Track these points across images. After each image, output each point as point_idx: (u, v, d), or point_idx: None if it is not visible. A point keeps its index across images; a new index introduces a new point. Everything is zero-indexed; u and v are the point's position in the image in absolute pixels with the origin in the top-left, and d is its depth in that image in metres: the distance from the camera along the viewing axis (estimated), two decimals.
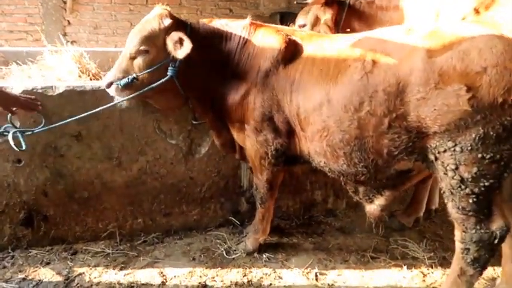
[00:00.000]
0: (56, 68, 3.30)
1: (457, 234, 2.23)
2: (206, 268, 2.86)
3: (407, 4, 3.30)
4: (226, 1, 6.32)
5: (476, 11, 2.82)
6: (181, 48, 2.48)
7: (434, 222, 3.52)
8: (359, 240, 3.26)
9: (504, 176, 2.03)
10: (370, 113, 2.18)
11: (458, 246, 2.23)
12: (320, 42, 2.54)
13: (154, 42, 2.57)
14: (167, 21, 2.56)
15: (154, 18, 2.60)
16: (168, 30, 2.54)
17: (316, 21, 3.81)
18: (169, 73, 2.57)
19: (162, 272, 2.80)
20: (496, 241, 2.11)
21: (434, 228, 3.42)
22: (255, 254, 3.01)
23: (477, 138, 1.94)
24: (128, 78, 2.58)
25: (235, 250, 3.06)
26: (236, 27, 2.70)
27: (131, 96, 2.65)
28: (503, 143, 1.93)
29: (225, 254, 3.01)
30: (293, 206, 3.53)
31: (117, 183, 3.05)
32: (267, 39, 2.62)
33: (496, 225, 2.10)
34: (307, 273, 2.83)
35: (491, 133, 1.91)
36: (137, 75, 2.58)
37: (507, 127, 1.91)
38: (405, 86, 2.07)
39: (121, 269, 2.83)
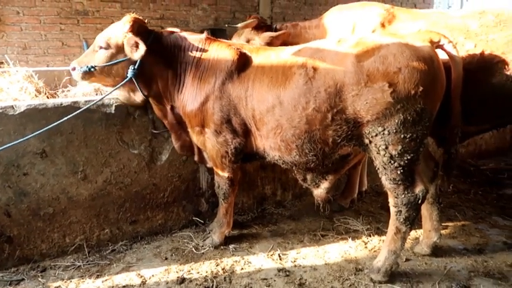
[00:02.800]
0: (7, 88, 3.28)
1: (391, 200, 2.79)
2: (180, 264, 3.09)
3: (328, 21, 3.89)
4: (158, 19, 6.56)
5: (383, 25, 3.49)
6: (137, 51, 2.81)
7: (365, 202, 4.16)
8: (308, 223, 3.74)
9: (420, 150, 2.64)
10: (315, 110, 2.65)
11: (392, 210, 2.80)
12: (267, 54, 2.98)
13: (114, 41, 2.93)
14: (127, 26, 2.88)
15: (120, 22, 2.93)
16: (126, 34, 2.84)
17: (248, 43, 4.26)
18: (129, 74, 2.90)
19: (139, 274, 2.97)
20: (419, 201, 2.72)
21: (367, 206, 4.05)
22: (222, 247, 3.32)
23: (399, 122, 2.51)
24: (87, 66, 2.94)
25: (203, 246, 3.33)
26: (194, 40, 3.04)
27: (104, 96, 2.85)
28: (417, 124, 2.53)
29: (194, 250, 3.27)
30: (247, 201, 3.91)
31: (83, 197, 3.15)
32: (221, 52, 2.99)
33: (419, 189, 2.71)
34: (271, 255, 3.22)
35: (409, 118, 2.50)
36: (95, 66, 2.94)
37: (419, 112, 2.51)
38: (342, 86, 2.58)
39: (97, 277, 2.94)
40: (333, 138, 2.70)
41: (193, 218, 3.63)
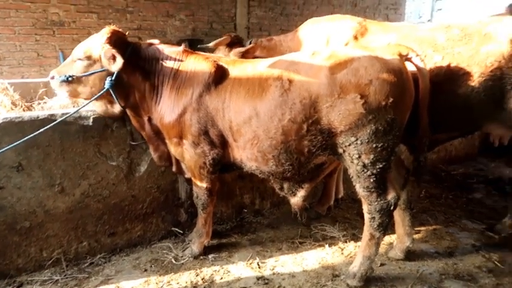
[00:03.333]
0: None
1: (365, 207, 2.89)
2: (160, 275, 3.10)
3: (303, 34, 4.00)
4: (135, 30, 6.56)
5: (355, 38, 3.62)
6: (114, 63, 2.85)
7: (342, 208, 4.27)
8: (286, 231, 3.81)
9: (391, 158, 2.76)
10: (291, 121, 2.73)
11: (366, 217, 2.90)
12: (243, 67, 3.05)
13: (92, 52, 2.96)
14: (104, 38, 2.91)
15: (99, 34, 2.97)
16: (104, 46, 2.88)
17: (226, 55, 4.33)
18: (106, 85, 2.94)
19: (118, 286, 2.97)
20: (392, 208, 2.83)
21: (343, 213, 4.16)
22: (201, 256, 3.34)
23: (371, 132, 2.61)
24: (65, 76, 2.96)
25: (182, 256, 3.35)
26: (171, 52, 3.08)
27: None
28: (388, 134, 2.64)
29: (174, 261, 3.28)
30: (226, 211, 3.95)
31: (60, 210, 3.12)
32: (199, 65, 3.04)
33: (391, 195, 2.82)
34: (250, 264, 3.26)
35: (380, 128, 2.61)
36: (73, 75, 2.96)
37: (389, 122, 2.62)
38: (316, 97, 2.68)
39: None
40: (309, 148, 2.78)
41: (173, 229, 3.65)
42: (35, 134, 2.69)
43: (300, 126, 2.72)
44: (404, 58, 2.81)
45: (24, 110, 3.36)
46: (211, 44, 4.23)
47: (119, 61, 2.83)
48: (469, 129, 3.47)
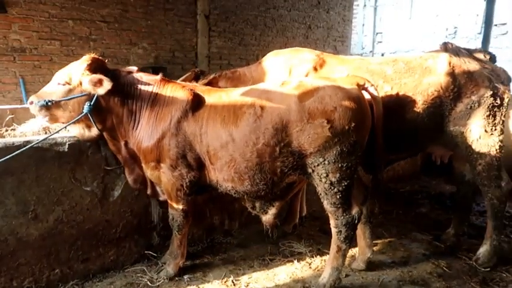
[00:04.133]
0: None
1: (332, 222, 3.17)
2: None
3: (266, 65, 4.31)
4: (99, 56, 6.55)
5: (315, 69, 3.98)
6: (101, 87, 2.99)
7: (305, 226, 4.53)
8: (256, 249, 3.99)
9: (354, 176, 3.08)
10: (265, 144, 2.97)
11: (333, 231, 3.17)
12: (218, 95, 3.26)
13: (72, 78, 3.07)
14: (84, 65, 3.06)
15: (79, 61, 3.10)
16: (84, 72, 3.02)
17: None
18: (84, 110, 3.04)
19: None
20: (356, 221, 3.13)
21: (307, 230, 4.42)
22: (177, 278, 3.42)
23: (337, 153, 2.93)
24: (45, 101, 3.03)
25: (157, 278, 3.40)
26: (149, 80, 3.24)
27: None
28: (352, 154, 2.97)
29: (149, 284, 3.33)
30: (197, 232, 4.06)
31: (33, 237, 3.08)
32: (176, 93, 3.22)
33: (355, 210, 3.13)
34: (225, 282, 3.40)
35: (345, 149, 2.93)
36: (52, 100, 3.04)
37: (352, 144, 2.95)
38: (287, 122, 2.95)
39: None
40: (281, 169, 3.03)
41: (146, 252, 3.69)
42: (6, 158, 2.71)
43: (273, 149, 2.97)
44: (361, 88, 3.19)
45: None
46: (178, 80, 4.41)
47: (107, 84, 2.99)
48: (416, 150, 3.93)
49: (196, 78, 4.40)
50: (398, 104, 3.54)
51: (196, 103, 3.18)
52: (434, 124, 3.63)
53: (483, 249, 3.75)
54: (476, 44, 10.36)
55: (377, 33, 14.45)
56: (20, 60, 6.24)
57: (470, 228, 4.45)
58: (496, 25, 9.65)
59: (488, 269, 3.63)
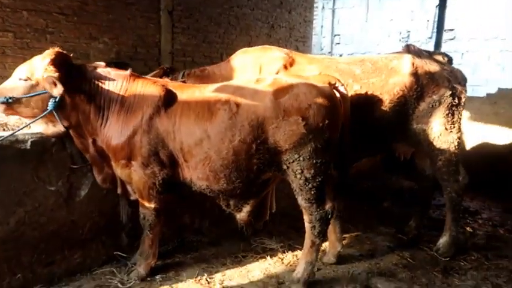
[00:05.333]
0: None
1: (306, 218, 3.22)
2: None
3: (235, 63, 4.29)
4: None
5: (285, 67, 4.02)
6: (55, 88, 2.84)
7: (275, 223, 4.56)
8: (228, 247, 3.98)
9: (328, 172, 3.15)
10: (241, 141, 2.96)
11: (307, 226, 3.22)
12: (191, 91, 3.21)
13: (34, 74, 2.91)
14: (47, 60, 2.89)
15: (42, 56, 2.92)
16: (47, 67, 2.86)
17: None
18: (49, 107, 2.90)
19: None
20: (329, 216, 3.21)
21: (277, 227, 4.45)
22: (148, 278, 3.33)
23: (311, 150, 2.98)
24: (5, 98, 2.87)
25: (128, 280, 3.29)
26: (118, 76, 3.13)
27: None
28: (326, 151, 3.04)
29: (120, 285, 3.22)
30: (167, 231, 3.96)
31: None
32: (147, 89, 3.13)
33: (328, 206, 3.20)
34: (199, 280, 3.35)
35: (319, 146, 2.99)
36: (13, 97, 2.88)
37: (326, 141, 3.02)
38: (263, 119, 2.96)
39: None
40: (257, 166, 3.04)
41: (116, 253, 3.55)
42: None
43: (249, 146, 2.97)
44: (333, 86, 3.27)
45: None
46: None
47: (59, 88, 2.83)
48: (383, 147, 4.08)
49: (165, 75, 4.31)
50: (367, 103, 3.67)
51: (169, 99, 3.12)
52: (399, 122, 3.80)
53: (443, 240, 3.97)
54: (428, 47, 10.92)
55: (335, 35, 14.87)
56: None
57: (428, 221, 4.69)
58: (445, 30, 10.23)
59: (448, 259, 3.85)
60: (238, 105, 3.01)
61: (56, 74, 2.83)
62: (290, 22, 10.72)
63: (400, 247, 4.11)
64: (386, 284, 3.42)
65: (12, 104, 2.90)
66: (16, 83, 2.91)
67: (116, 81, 3.12)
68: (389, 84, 3.72)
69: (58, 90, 2.83)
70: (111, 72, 3.15)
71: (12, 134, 2.90)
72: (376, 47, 13.53)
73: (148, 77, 4.31)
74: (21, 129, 2.94)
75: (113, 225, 3.57)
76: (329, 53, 14.49)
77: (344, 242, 4.10)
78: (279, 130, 2.95)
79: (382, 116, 3.70)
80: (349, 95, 3.58)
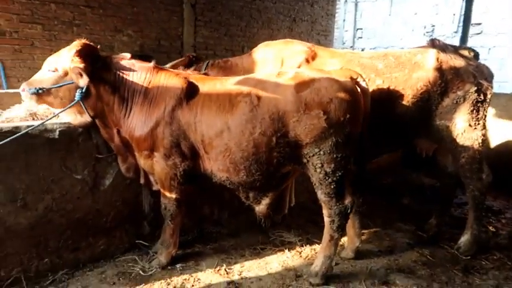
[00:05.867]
0: None
1: (325, 212, 3.23)
2: (130, 287, 3.11)
3: (257, 57, 4.31)
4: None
5: (307, 61, 4.02)
6: (81, 78, 2.95)
7: (294, 216, 4.58)
8: (246, 239, 4.02)
9: (348, 167, 3.14)
10: (262, 134, 2.99)
11: (326, 220, 3.23)
12: (213, 83, 3.25)
13: (62, 65, 3.02)
14: (73, 51, 2.98)
15: (69, 47, 3.03)
16: (73, 58, 2.96)
17: None
18: (76, 97, 3.00)
19: None
20: (349, 211, 3.21)
21: (296, 220, 4.47)
22: (169, 267, 3.41)
23: (332, 144, 2.98)
24: (35, 88, 2.99)
25: (149, 268, 3.38)
26: (142, 68, 3.19)
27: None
28: (346, 145, 3.03)
29: (142, 273, 3.31)
30: (187, 222, 4.04)
31: (22, 226, 3.00)
32: (170, 81, 3.18)
33: (348, 200, 3.20)
34: (218, 270, 3.41)
35: (340, 140, 2.99)
36: (43, 88, 3.00)
37: (347, 135, 3.01)
38: (284, 113, 2.98)
39: None
40: (277, 159, 3.06)
41: (138, 241, 3.65)
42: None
43: (269, 139, 2.99)
44: (354, 81, 3.24)
45: None
46: (168, 65, 4.37)
47: (85, 79, 2.94)
48: (404, 143, 4.03)
49: (190, 63, 4.37)
50: (389, 98, 3.63)
51: (191, 91, 3.16)
52: (422, 118, 3.74)
53: (464, 239, 3.91)
54: (453, 42, 10.66)
55: (357, 29, 14.66)
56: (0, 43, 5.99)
57: (449, 219, 4.62)
58: (472, 25, 9.95)
59: (469, 257, 3.79)
60: (259, 98, 3.03)
61: (82, 65, 2.92)
62: (312, 15, 10.64)
63: (420, 244, 4.06)
64: (405, 280, 3.41)
65: (42, 94, 3.02)
66: (45, 74, 3.04)
67: (140, 72, 3.19)
68: (412, 79, 3.67)
69: (84, 81, 2.94)
70: (135, 64, 3.22)
71: (42, 124, 3.00)
72: (399, 42, 13.28)
73: (171, 64, 4.39)
74: (50, 119, 3.04)
75: (136, 214, 3.67)
76: (351, 47, 14.30)
77: (363, 237, 4.09)
78: (299, 124, 2.96)
79: (404, 111, 3.65)
80: (371, 89, 3.58)
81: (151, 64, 3.26)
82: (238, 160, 3.07)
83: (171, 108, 3.12)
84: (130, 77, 3.17)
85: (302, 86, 3.01)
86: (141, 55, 6.05)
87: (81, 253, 3.36)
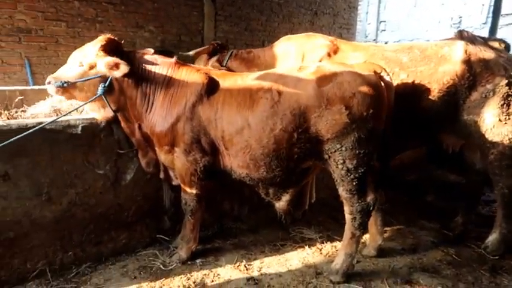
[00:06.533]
0: None
1: (346, 209, 3.17)
2: (151, 282, 3.14)
3: (279, 50, 4.27)
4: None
5: (329, 55, 3.95)
6: (117, 70, 2.97)
7: (314, 212, 4.52)
8: (266, 235, 4.00)
9: (371, 164, 3.07)
10: (283, 130, 2.94)
11: (348, 217, 3.17)
12: (233, 79, 3.22)
13: (87, 60, 3.05)
14: (98, 46, 3.03)
15: (93, 42, 3.07)
16: (98, 53, 3.01)
17: (206, 65, 4.51)
18: (99, 91, 3.04)
19: None
20: (371, 208, 3.14)
21: (316, 216, 4.42)
22: (189, 262, 3.43)
23: (354, 140, 2.91)
24: (61, 82, 3.03)
25: (170, 262, 3.41)
26: (164, 63, 3.20)
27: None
28: (369, 141, 2.96)
29: (162, 267, 3.34)
30: (207, 218, 4.05)
31: (47, 219, 3.07)
32: (191, 76, 3.17)
33: (370, 197, 3.13)
34: (237, 266, 3.41)
35: (362, 136, 2.91)
36: (68, 81, 3.03)
37: (370, 131, 2.93)
38: (305, 108, 2.92)
39: None
40: (298, 155, 3.01)
41: (158, 236, 3.68)
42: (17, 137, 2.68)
43: (290, 135, 2.94)
44: (377, 75, 3.15)
45: (8, 119, 3.27)
46: (192, 52, 4.37)
47: (124, 68, 2.97)
48: (429, 138, 3.91)
49: (214, 51, 4.37)
50: (413, 92, 3.53)
51: (212, 87, 3.14)
52: (449, 113, 3.61)
53: (492, 238, 3.77)
54: (481, 34, 10.30)
55: (381, 22, 14.33)
56: (26, 41, 6.14)
57: (476, 217, 4.47)
58: (502, 15, 9.56)
59: (497, 257, 3.66)
60: (280, 93, 2.98)
61: (114, 58, 2.97)
62: (334, 8, 10.46)
63: (445, 243, 3.95)
64: (429, 280, 3.31)
65: (67, 88, 3.07)
66: (71, 69, 3.08)
67: (162, 68, 3.20)
68: (438, 72, 3.54)
69: (122, 70, 2.96)
70: (157, 59, 3.23)
71: (63, 116, 3.06)
72: (424, 34, 12.90)
73: (197, 51, 4.40)
74: (71, 112, 3.09)
75: (157, 209, 3.70)
76: (374, 40, 14.00)
77: (385, 235, 4.00)
78: (321, 119, 2.90)
79: (429, 106, 3.54)
80: (396, 84, 3.48)
81: (173, 59, 3.26)
82: (258, 156, 3.04)
83: (191, 104, 3.11)
84: (153, 72, 3.19)
85: (324, 80, 2.95)
86: (162, 50, 6.10)
87: (104, 247, 3.41)
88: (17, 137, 2.67)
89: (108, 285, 3.09)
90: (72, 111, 3.11)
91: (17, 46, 6.08)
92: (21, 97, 3.76)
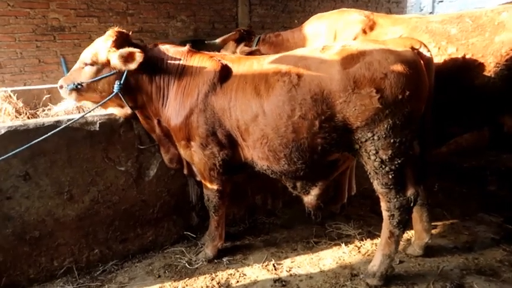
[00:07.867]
0: None
1: (383, 205, 2.81)
2: (174, 281, 3.03)
3: (309, 30, 3.92)
4: (137, 32, 6.47)
5: (364, 32, 3.54)
6: (132, 62, 2.80)
7: (355, 206, 4.18)
8: (300, 231, 3.73)
9: (410, 153, 2.67)
10: (302, 117, 2.62)
11: (385, 214, 2.81)
12: (249, 63, 2.95)
13: (98, 57, 2.91)
14: (109, 41, 2.88)
15: (103, 38, 2.93)
16: (110, 49, 2.84)
17: (234, 52, 4.29)
18: (114, 89, 2.89)
19: None
20: (412, 204, 2.75)
21: (356, 210, 4.07)
22: (216, 260, 3.27)
23: (388, 127, 2.53)
24: (74, 84, 2.94)
25: (196, 260, 3.27)
26: (176, 53, 3.01)
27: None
28: (406, 128, 2.56)
29: (188, 266, 3.21)
30: (238, 212, 3.87)
31: (70, 217, 3.05)
32: (203, 64, 2.96)
33: (410, 192, 2.74)
34: (265, 266, 3.19)
35: (398, 122, 2.52)
36: (82, 82, 2.93)
37: (406, 116, 2.54)
38: (328, 93, 2.58)
39: None
40: (322, 146, 2.69)
41: (185, 233, 3.57)
42: (38, 140, 2.64)
43: (311, 123, 2.62)
44: (416, 51, 2.72)
45: (28, 118, 3.30)
46: (218, 40, 4.17)
47: (139, 56, 2.79)
48: (484, 121, 3.38)
49: (240, 39, 4.15)
50: (464, 68, 3.03)
51: (225, 74, 2.90)
52: (509, 90, 3.07)
53: None
54: None
55: None
56: (60, 39, 6.32)
57: None
58: None
59: None
60: (299, 76, 2.67)
61: (127, 48, 2.83)
62: None
63: (508, 240, 3.41)
64: (486, 284, 2.87)
65: (81, 90, 2.97)
66: (83, 69, 2.96)
67: (174, 58, 3.01)
68: (495, 43, 3.01)
69: (138, 60, 2.78)
70: (169, 49, 3.05)
71: (82, 116, 2.98)
72: (486, 4, 11.57)
73: (224, 38, 4.21)
74: (91, 111, 3.01)
75: (183, 205, 3.58)
76: (430, 13, 12.84)
77: (435, 230, 3.58)
78: (348, 105, 2.55)
79: (484, 83, 3.02)
80: (443, 59, 3.03)
81: (186, 48, 3.06)
82: (277, 147, 2.76)
83: (204, 95, 2.90)
84: (165, 63, 3.01)
85: (350, 60, 2.58)
86: (194, 40, 5.99)
87: (130, 244, 3.36)
88: (38, 140, 2.64)
89: (132, 284, 3.02)
90: (90, 111, 3.02)
91: (52, 45, 6.27)
92: (48, 95, 3.79)
